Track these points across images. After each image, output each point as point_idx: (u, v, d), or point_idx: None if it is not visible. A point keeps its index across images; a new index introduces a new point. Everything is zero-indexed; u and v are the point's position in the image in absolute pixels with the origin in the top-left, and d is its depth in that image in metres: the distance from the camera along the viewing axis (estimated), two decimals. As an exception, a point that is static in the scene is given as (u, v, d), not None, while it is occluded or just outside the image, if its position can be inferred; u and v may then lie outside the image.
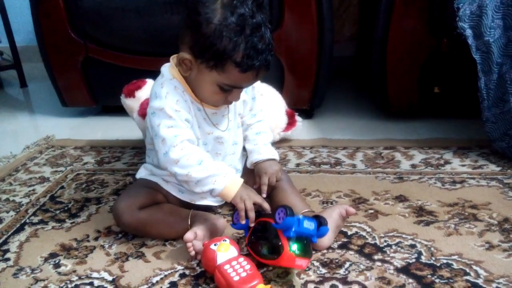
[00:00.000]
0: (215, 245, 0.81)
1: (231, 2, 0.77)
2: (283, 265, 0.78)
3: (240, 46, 0.77)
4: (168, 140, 0.84)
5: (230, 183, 0.85)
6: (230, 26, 0.76)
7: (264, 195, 0.95)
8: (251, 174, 1.00)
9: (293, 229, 0.75)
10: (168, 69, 0.90)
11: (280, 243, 0.77)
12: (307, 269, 0.82)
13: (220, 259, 0.78)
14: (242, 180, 0.87)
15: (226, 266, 0.77)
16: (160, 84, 0.88)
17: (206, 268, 0.82)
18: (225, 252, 0.79)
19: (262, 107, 1.05)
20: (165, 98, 0.86)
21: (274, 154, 1.00)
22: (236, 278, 0.74)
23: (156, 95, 0.88)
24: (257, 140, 1.01)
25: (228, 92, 0.85)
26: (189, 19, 0.80)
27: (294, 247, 0.76)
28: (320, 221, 0.81)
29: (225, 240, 0.82)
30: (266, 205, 0.85)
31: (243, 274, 0.75)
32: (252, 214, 0.83)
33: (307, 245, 0.79)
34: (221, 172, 0.85)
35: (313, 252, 0.86)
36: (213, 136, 0.94)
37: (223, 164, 0.90)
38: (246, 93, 0.98)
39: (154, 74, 0.93)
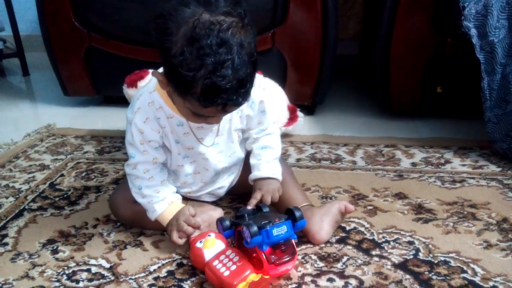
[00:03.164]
0: (200, 242, 0.80)
1: (193, 31, 0.67)
2: (271, 276, 0.76)
3: (198, 83, 0.68)
4: (128, 152, 0.88)
5: (160, 219, 0.88)
6: (187, 60, 0.67)
7: (249, 207, 0.88)
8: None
9: (263, 244, 0.74)
10: (157, 78, 0.82)
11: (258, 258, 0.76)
12: (305, 262, 0.82)
13: (207, 256, 0.77)
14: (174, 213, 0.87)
15: (215, 262, 0.76)
16: (139, 95, 0.86)
17: (196, 266, 0.81)
18: (212, 248, 0.78)
19: (274, 119, 0.95)
20: (134, 114, 0.84)
21: (275, 172, 0.92)
22: (227, 273, 0.73)
23: (132, 104, 0.87)
24: (261, 155, 0.93)
25: (205, 116, 0.78)
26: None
27: (274, 257, 0.75)
28: (294, 217, 0.78)
29: (210, 235, 0.81)
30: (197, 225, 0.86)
31: (233, 268, 0.74)
32: (197, 224, 0.85)
33: (289, 246, 0.77)
34: (150, 208, 0.88)
35: (311, 246, 0.86)
36: (194, 152, 0.89)
37: (164, 193, 0.88)
38: (251, 108, 0.89)
39: (157, 64, 0.91)
